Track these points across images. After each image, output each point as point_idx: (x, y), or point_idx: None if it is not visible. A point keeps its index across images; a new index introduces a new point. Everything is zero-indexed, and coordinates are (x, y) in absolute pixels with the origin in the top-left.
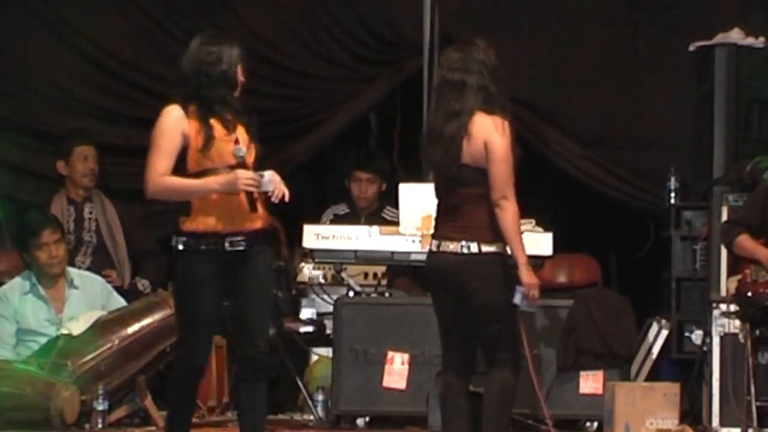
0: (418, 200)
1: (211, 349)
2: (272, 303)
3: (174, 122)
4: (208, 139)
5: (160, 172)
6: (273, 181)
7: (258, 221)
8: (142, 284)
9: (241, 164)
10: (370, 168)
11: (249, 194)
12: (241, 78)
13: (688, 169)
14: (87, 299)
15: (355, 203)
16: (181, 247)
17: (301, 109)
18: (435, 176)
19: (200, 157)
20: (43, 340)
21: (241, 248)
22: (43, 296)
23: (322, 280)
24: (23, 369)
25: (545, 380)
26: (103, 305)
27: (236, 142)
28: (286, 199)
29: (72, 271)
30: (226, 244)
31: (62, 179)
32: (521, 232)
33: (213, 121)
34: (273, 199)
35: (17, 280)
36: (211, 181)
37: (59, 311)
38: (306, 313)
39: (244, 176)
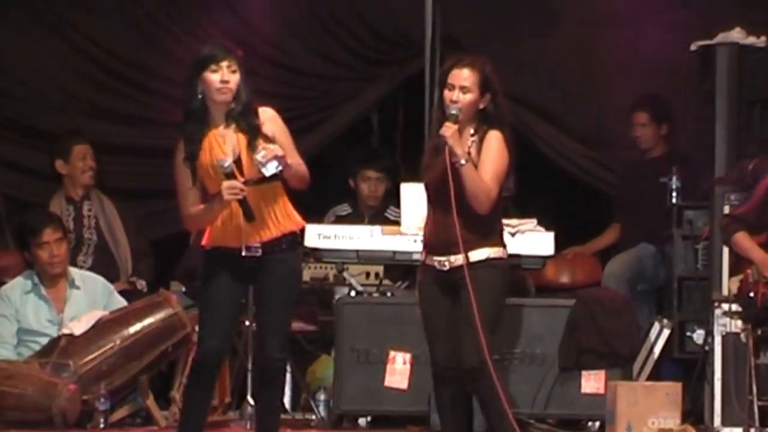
0: (419, 200)
1: (227, 347)
2: (287, 310)
3: (178, 156)
4: (191, 164)
5: (184, 210)
6: (269, 158)
7: (270, 230)
8: (140, 284)
9: (230, 175)
10: (379, 166)
11: (243, 204)
12: (213, 80)
13: (689, 169)
14: (88, 299)
15: (363, 202)
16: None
17: (302, 109)
18: None
19: (205, 180)
20: (44, 340)
21: (257, 255)
22: (45, 296)
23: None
24: (25, 369)
25: (547, 380)
26: (104, 305)
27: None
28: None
29: (73, 271)
30: (243, 251)
31: (60, 178)
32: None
33: (206, 142)
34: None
35: (18, 280)
36: (211, 203)
37: (60, 311)
38: None
39: (226, 187)
